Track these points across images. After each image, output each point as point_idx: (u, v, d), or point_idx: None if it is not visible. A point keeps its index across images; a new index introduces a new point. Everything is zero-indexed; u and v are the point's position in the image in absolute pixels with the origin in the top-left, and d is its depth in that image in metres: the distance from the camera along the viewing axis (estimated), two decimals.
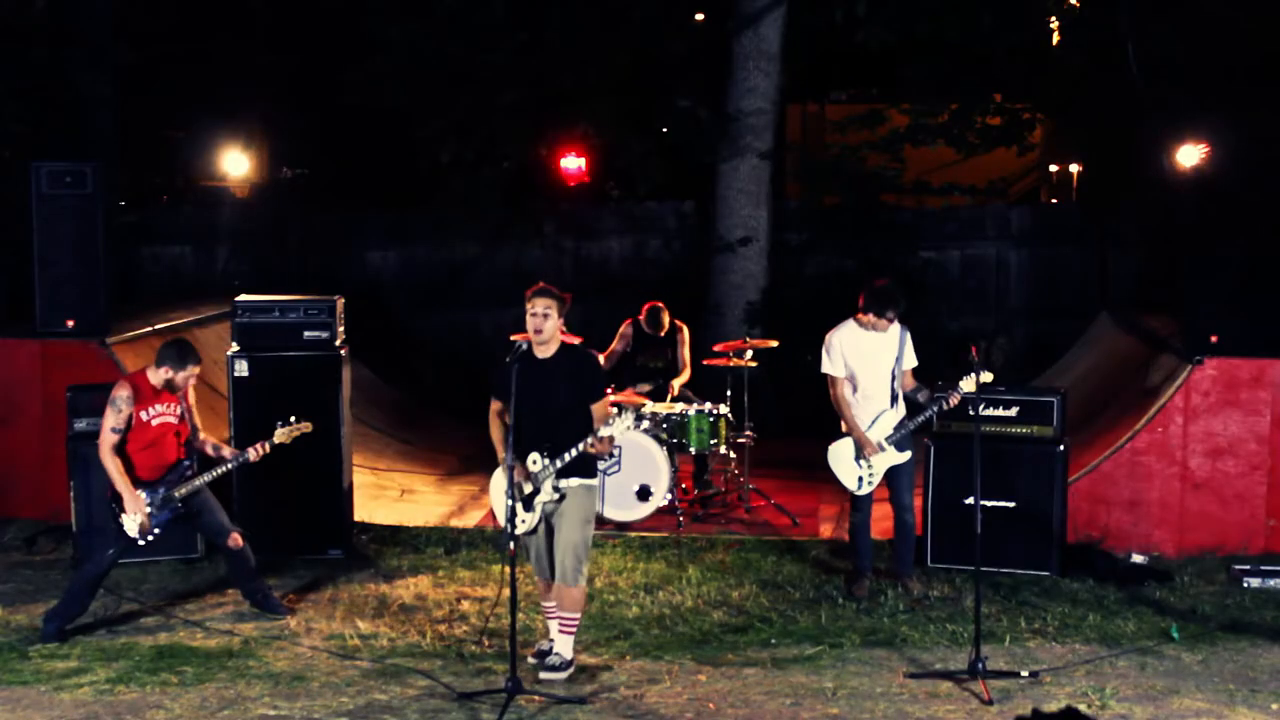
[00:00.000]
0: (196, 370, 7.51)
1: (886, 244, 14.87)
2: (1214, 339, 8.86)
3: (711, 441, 9.83)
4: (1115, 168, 14.59)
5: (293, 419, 7.63)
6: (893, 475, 8.03)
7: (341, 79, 14.26)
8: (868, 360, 7.92)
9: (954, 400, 7.71)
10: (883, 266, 14.63)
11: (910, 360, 8.00)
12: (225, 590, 8.02)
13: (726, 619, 7.66)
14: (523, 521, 6.63)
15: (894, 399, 7.97)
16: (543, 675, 6.67)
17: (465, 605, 7.86)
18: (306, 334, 8.97)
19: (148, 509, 7.26)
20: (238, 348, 8.93)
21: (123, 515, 7.27)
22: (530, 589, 7.98)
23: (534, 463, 6.59)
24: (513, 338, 7.33)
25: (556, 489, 6.62)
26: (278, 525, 8.70)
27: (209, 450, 7.62)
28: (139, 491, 7.28)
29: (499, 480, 6.82)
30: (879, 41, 14.10)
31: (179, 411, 7.48)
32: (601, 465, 9.34)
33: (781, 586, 8.26)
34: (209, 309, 11.34)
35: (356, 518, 9.33)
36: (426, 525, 9.61)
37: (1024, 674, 6.72)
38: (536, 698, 6.39)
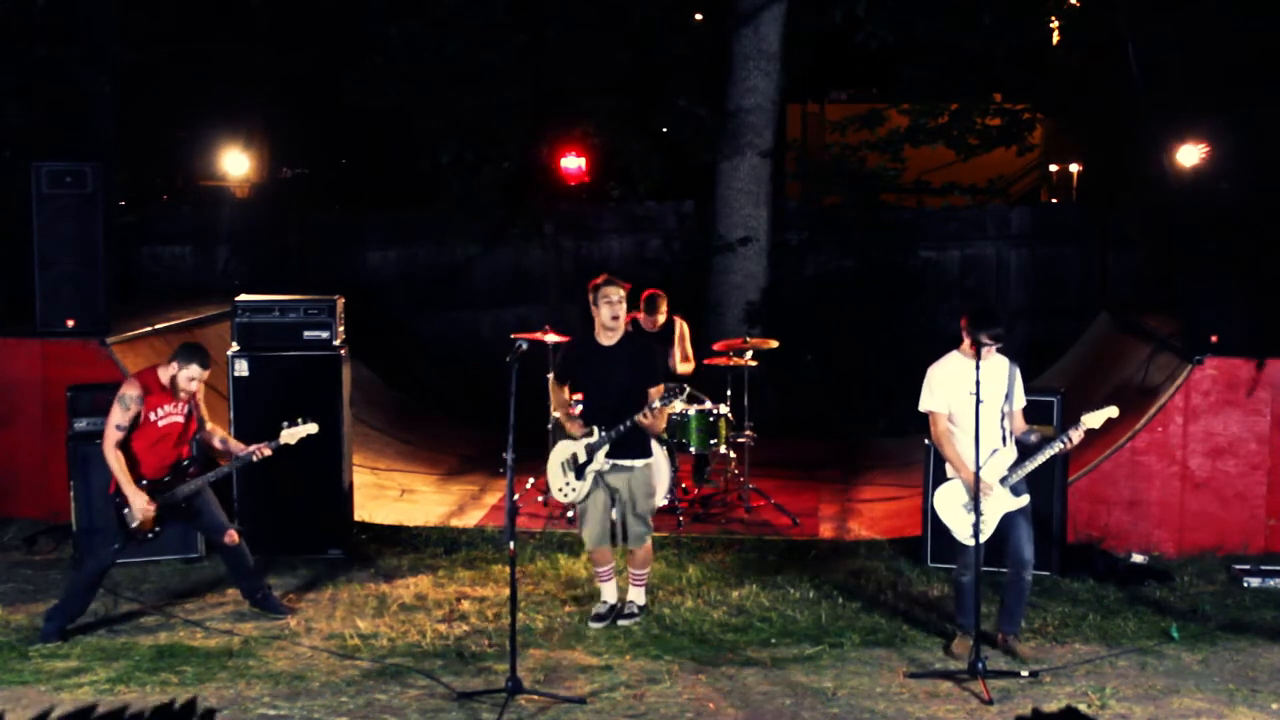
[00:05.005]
0: (197, 372, 7.34)
1: (886, 244, 14.86)
2: (1214, 339, 8.87)
3: (711, 441, 9.83)
4: (1115, 168, 14.57)
5: (299, 420, 7.57)
6: (1010, 526, 7.02)
7: (341, 79, 14.25)
8: (974, 395, 6.84)
9: (1076, 437, 6.86)
10: (882, 266, 14.65)
11: (1020, 400, 7.08)
12: (225, 590, 8.03)
13: (726, 619, 7.65)
14: (574, 490, 7.30)
15: (1004, 439, 7.01)
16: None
17: (465, 605, 7.85)
18: (306, 334, 8.98)
19: (149, 507, 7.24)
20: (238, 347, 8.94)
21: (125, 510, 7.26)
22: (530, 589, 7.99)
23: (591, 435, 7.19)
24: (513, 336, 7.35)
25: (610, 460, 7.22)
26: (278, 525, 8.73)
27: (216, 443, 7.61)
28: (141, 489, 7.27)
29: (558, 452, 7.43)
30: (879, 41, 14.09)
31: (186, 410, 7.47)
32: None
33: (781, 586, 8.25)
34: (209, 309, 11.33)
35: (356, 517, 9.34)
36: (426, 525, 9.61)
37: (1024, 674, 6.73)
38: (536, 697, 6.40)
